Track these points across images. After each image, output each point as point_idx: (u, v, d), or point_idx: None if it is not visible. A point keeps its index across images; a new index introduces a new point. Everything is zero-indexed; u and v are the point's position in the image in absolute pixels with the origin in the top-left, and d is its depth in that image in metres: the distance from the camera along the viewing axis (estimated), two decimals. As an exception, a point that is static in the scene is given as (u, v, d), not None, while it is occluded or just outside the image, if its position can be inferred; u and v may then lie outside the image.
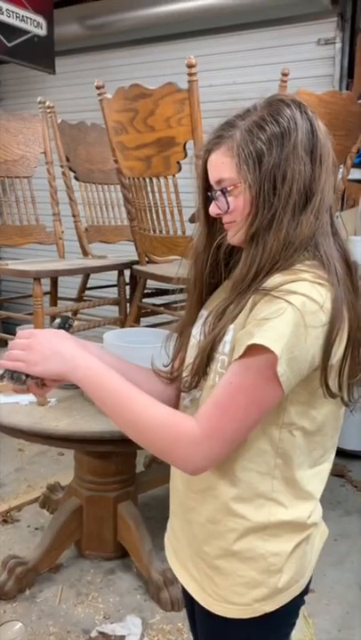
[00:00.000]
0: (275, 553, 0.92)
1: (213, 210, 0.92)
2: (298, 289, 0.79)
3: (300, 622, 1.21)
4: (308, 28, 3.60)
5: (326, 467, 0.96)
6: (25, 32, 3.75)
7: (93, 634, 1.89)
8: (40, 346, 0.90)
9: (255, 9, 3.53)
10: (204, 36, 3.91)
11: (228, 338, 0.87)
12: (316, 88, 2.08)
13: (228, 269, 1.00)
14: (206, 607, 0.97)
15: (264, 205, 0.85)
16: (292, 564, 0.94)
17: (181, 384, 0.99)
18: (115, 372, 0.89)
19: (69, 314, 1.60)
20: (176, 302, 2.61)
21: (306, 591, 1.00)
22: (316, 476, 0.94)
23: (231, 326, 0.87)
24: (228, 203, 0.89)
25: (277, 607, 0.94)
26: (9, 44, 3.67)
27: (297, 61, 3.53)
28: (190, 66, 1.73)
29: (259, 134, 0.84)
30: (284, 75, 1.97)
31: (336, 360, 0.83)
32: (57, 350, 0.89)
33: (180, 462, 0.86)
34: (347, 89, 3.44)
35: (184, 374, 0.98)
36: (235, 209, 0.89)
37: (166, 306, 2.46)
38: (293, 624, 1.02)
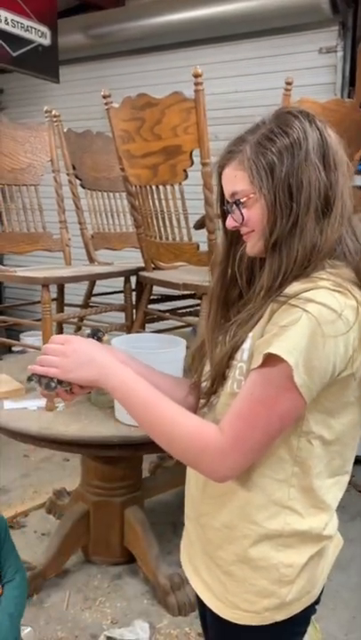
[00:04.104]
0: (288, 564, 0.92)
1: (229, 223, 0.94)
2: (315, 297, 0.80)
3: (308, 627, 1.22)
4: (310, 37, 3.65)
5: (346, 478, 0.96)
6: (29, 42, 3.81)
7: (101, 638, 1.90)
8: (75, 353, 0.91)
9: (257, 18, 3.58)
10: (207, 44, 3.96)
11: (246, 346, 0.88)
12: (319, 96, 2.11)
13: (251, 282, 1.00)
14: (216, 612, 0.98)
15: (282, 214, 0.86)
16: (304, 576, 0.93)
17: (200, 391, 0.99)
18: (145, 381, 0.91)
19: (101, 328, 1.59)
20: (182, 308, 2.65)
21: (318, 601, 1.00)
22: (334, 486, 0.94)
23: (250, 334, 0.87)
24: (242, 214, 0.90)
25: (288, 616, 0.94)
26: (14, 54, 3.72)
27: (299, 69, 3.56)
28: (197, 75, 1.76)
29: (268, 146, 0.86)
30: (288, 84, 2.00)
31: (357, 368, 0.83)
32: (92, 358, 0.91)
33: (207, 471, 0.88)
34: (349, 96, 3.47)
35: (203, 382, 0.99)
36: (249, 219, 0.90)
37: (172, 312, 2.48)
38: (304, 632, 1.02)
